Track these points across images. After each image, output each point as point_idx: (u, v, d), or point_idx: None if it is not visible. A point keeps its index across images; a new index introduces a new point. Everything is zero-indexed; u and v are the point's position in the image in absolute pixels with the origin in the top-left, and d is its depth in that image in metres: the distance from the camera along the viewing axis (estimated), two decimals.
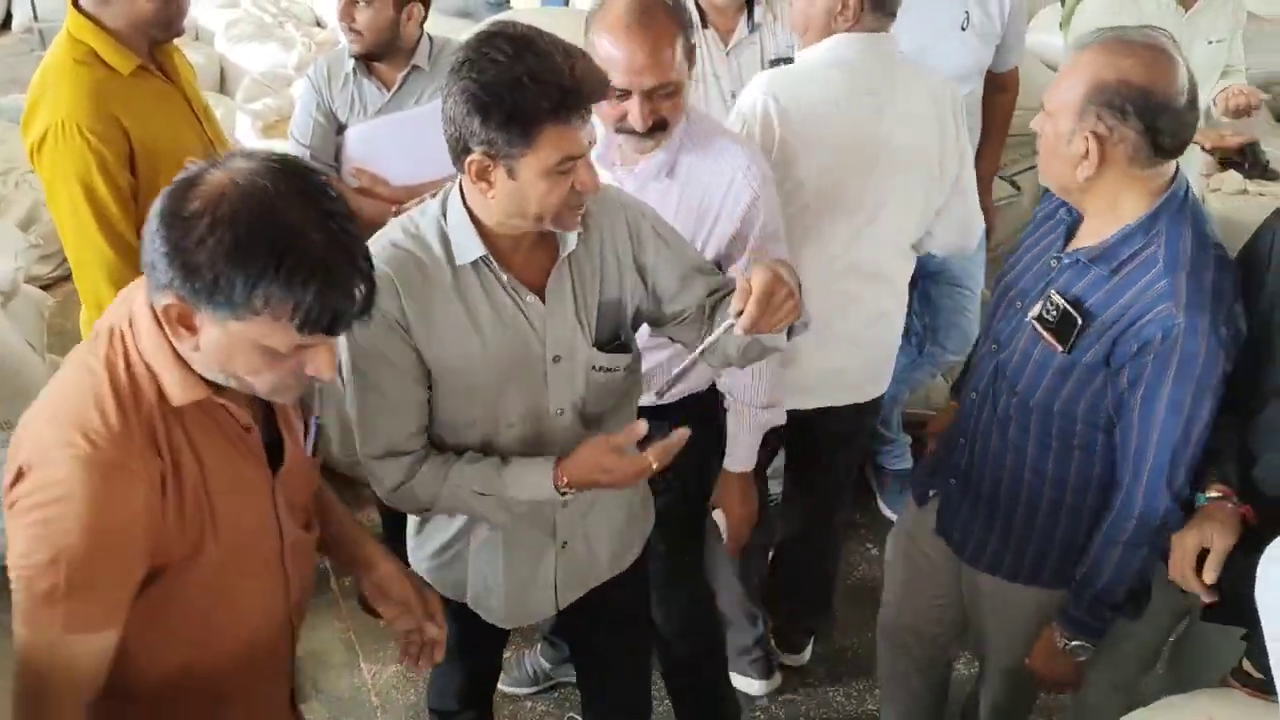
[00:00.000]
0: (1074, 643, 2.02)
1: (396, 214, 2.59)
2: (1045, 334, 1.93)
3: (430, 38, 2.75)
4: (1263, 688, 1.81)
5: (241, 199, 1.26)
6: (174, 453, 1.38)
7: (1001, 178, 3.62)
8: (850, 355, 2.55)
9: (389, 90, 2.72)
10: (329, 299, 1.29)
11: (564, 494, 1.78)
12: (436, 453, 1.83)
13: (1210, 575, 1.82)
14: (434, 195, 2.55)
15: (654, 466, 1.74)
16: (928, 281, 3.30)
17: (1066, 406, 1.95)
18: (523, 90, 1.57)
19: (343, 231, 1.31)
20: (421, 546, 2.07)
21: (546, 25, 2.11)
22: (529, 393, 1.82)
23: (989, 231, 3.45)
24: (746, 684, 2.98)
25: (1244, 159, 3.95)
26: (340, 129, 2.74)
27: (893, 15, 2.30)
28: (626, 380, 1.94)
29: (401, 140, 2.70)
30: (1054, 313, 1.91)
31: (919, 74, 2.39)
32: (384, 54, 2.68)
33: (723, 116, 2.84)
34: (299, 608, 1.68)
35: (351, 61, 2.70)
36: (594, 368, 1.86)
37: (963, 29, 3.04)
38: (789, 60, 2.80)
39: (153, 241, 1.29)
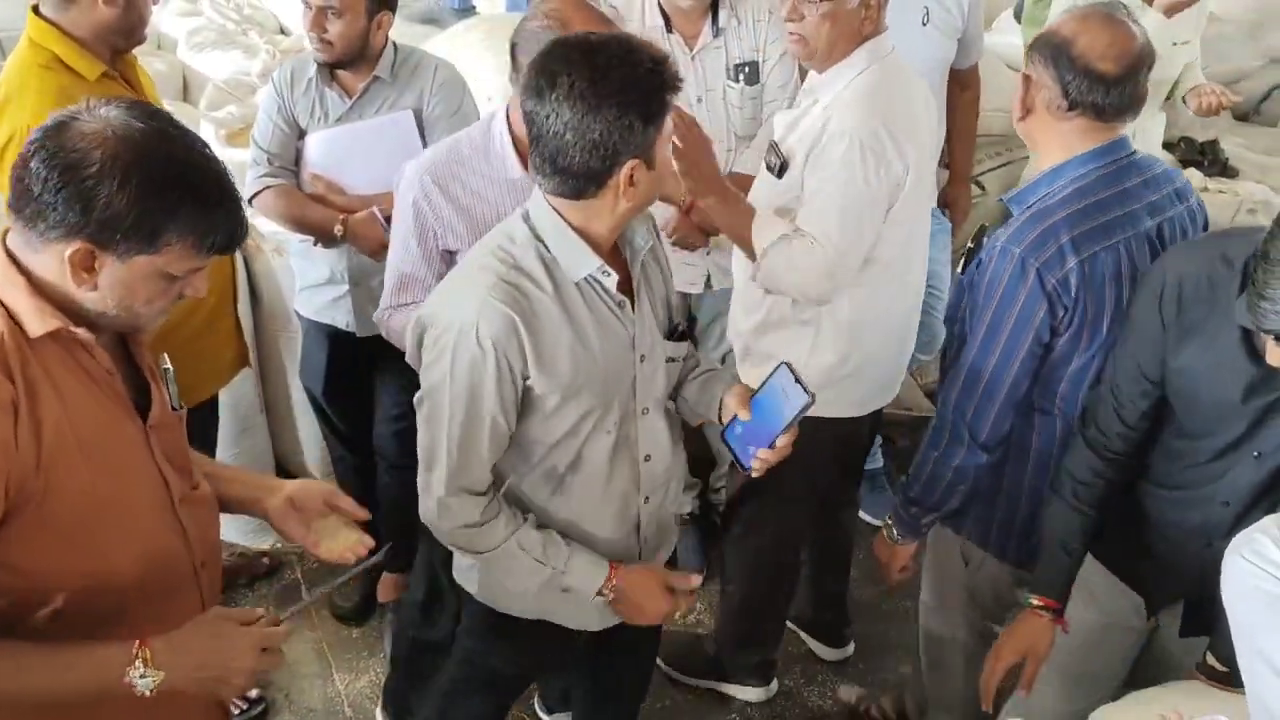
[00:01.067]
0: (891, 524, 2.27)
1: (344, 221, 2.62)
2: (963, 259, 2.09)
3: (395, 46, 2.74)
4: (1226, 679, 1.83)
5: (139, 143, 1.34)
6: (29, 383, 1.36)
7: None
8: (907, 338, 2.60)
9: (350, 98, 2.70)
10: (231, 220, 1.42)
11: (601, 596, 1.86)
12: (505, 506, 1.82)
13: (1025, 690, 2.02)
14: (383, 208, 2.53)
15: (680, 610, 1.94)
16: None
17: (959, 328, 2.05)
18: (655, 77, 1.64)
19: (218, 159, 1.43)
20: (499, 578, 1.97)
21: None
22: (624, 397, 1.84)
23: (955, 230, 3.48)
24: (746, 692, 2.99)
25: (1204, 157, 4.01)
26: (301, 134, 2.72)
27: None
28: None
29: (361, 150, 2.69)
30: (972, 243, 2.08)
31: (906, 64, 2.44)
32: (351, 63, 2.66)
33: None
34: (208, 570, 1.64)
35: (314, 67, 2.69)
36: (667, 360, 1.90)
37: (924, 24, 3.06)
38: (754, 64, 2.83)
39: (53, 194, 1.32)
